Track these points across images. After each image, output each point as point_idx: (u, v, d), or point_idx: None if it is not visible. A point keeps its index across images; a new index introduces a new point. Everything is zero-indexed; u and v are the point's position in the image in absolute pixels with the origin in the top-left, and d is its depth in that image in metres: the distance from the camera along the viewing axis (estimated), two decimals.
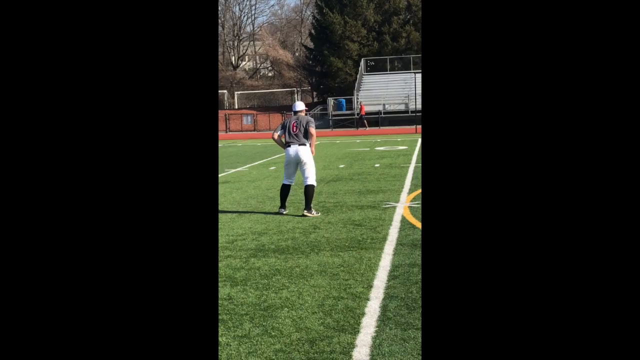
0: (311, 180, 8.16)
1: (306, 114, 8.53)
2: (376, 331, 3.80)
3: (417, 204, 8.68)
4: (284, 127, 8.34)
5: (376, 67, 45.70)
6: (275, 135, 8.40)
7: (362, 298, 4.48)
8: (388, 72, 44.76)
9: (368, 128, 37.13)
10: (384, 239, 6.50)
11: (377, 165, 14.78)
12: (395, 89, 42.03)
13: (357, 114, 39.42)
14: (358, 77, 43.81)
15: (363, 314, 4.14)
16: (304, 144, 8.16)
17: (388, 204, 8.77)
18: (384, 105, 40.52)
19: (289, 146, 8.17)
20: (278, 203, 9.15)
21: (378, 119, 38.88)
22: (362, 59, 45.07)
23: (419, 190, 9.99)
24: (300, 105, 8.47)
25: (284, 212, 8.36)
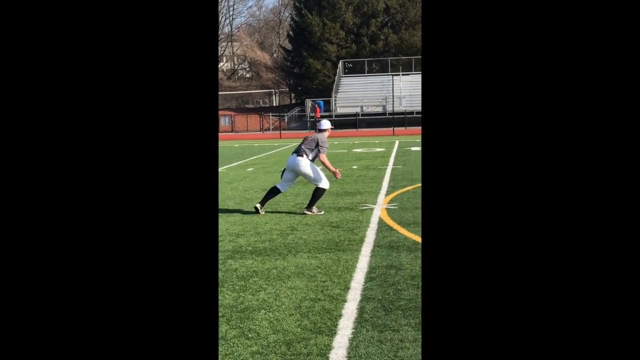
0: (320, 184, 8.26)
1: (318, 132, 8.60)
2: (353, 333, 3.81)
3: (395, 205, 8.72)
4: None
5: (354, 69, 45.81)
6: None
7: (339, 300, 4.49)
8: (366, 74, 44.90)
9: None
10: (361, 240, 6.51)
11: (354, 167, 14.82)
12: (373, 91, 42.17)
13: (312, 117, 39.36)
14: (336, 78, 43.88)
15: (340, 315, 4.14)
16: (302, 155, 8.25)
17: (365, 206, 8.79)
18: (361, 107, 40.64)
19: (293, 153, 8.37)
20: (255, 204, 9.13)
21: (356, 121, 38.98)
22: (340, 61, 45.15)
23: (396, 192, 10.03)
24: (325, 125, 8.60)
25: (260, 210, 8.42)
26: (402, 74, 41.72)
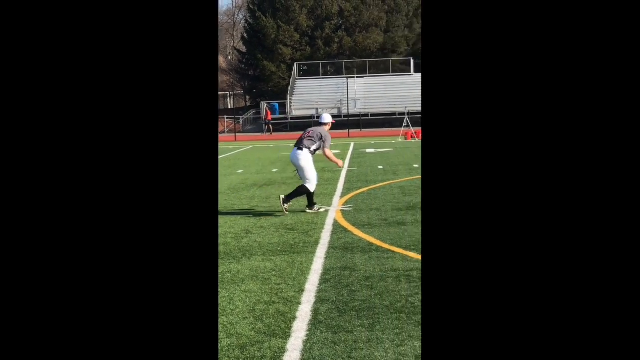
0: (307, 183, 8.29)
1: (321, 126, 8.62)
2: (307, 335, 3.81)
3: (349, 207, 8.75)
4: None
5: (309, 72, 45.85)
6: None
7: (294, 302, 4.48)
8: (321, 77, 45.00)
9: (273, 134, 36.76)
10: (316, 242, 6.52)
11: None
12: (328, 93, 42.29)
13: (264, 119, 39.20)
14: (291, 81, 43.85)
15: (294, 318, 4.14)
16: (301, 149, 8.30)
17: (321, 208, 8.80)
18: (316, 109, 40.70)
19: (294, 147, 8.46)
20: (305, 209, 8.91)
21: (311, 123, 39.00)
22: (295, 64, 45.15)
23: (351, 194, 10.08)
24: (326, 118, 8.70)
25: (313, 209, 8.41)
26: (357, 77, 41.97)
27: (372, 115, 38.28)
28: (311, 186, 8.34)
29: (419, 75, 43.38)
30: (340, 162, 8.70)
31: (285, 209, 8.33)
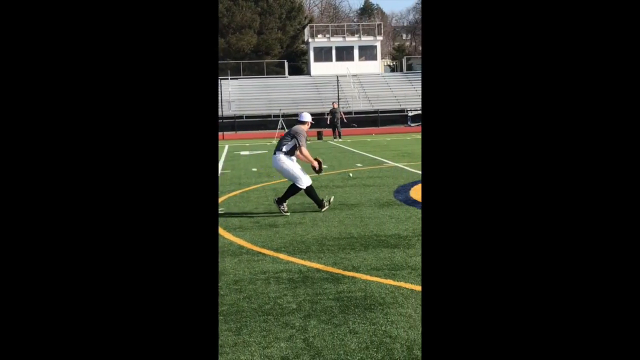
0: (298, 183, 8.03)
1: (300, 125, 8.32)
2: None
3: (222, 210, 8.68)
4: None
5: None
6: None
7: None
8: None
9: None
10: None
11: None
12: None
13: None
14: None
15: None
16: (275, 153, 8.15)
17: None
18: None
19: (273, 153, 8.34)
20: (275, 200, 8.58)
21: None
22: None
23: (224, 197, 10.01)
24: (305, 117, 8.39)
25: (280, 209, 8.16)
26: (231, 78, 41.74)
27: (247, 117, 38.24)
28: (303, 183, 8.04)
29: (294, 77, 43.92)
30: (315, 163, 8.35)
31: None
